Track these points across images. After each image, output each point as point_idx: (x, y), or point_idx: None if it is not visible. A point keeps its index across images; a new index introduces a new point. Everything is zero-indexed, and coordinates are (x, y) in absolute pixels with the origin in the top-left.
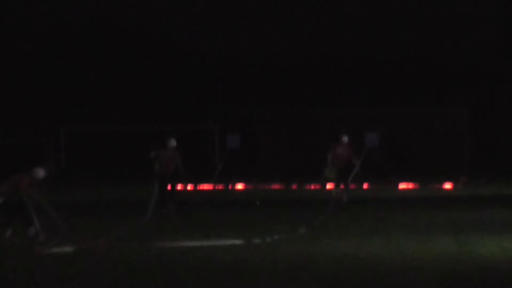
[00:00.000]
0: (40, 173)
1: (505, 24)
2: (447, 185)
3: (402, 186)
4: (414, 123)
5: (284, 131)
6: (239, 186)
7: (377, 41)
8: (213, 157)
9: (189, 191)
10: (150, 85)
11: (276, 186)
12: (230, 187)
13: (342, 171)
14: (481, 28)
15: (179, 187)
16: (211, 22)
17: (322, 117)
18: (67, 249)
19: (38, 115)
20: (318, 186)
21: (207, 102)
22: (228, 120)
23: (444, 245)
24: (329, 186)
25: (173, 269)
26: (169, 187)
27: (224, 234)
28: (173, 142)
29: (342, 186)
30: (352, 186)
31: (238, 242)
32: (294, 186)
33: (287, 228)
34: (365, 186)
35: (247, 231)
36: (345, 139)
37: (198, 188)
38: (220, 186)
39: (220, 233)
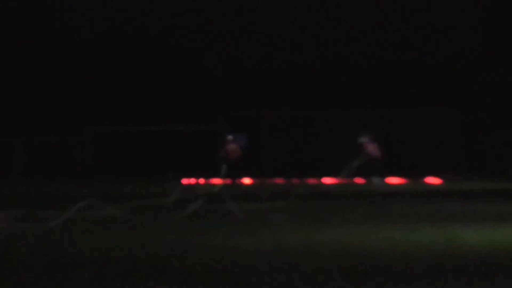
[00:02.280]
0: None
1: (490, 25)
2: (434, 180)
3: (392, 181)
4: (405, 125)
5: (286, 132)
6: (246, 181)
7: (370, 46)
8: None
9: (201, 184)
10: (167, 92)
11: (279, 181)
12: (237, 182)
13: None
14: (468, 30)
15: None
16: (221, 35)
17: (320, 119)
18: None
19: (66, 116)
20: (315, 181)
21: (217, 106)
22: (236, 122)
23: (431, 235)
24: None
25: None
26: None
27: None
28: (230, 137)
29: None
30: (347, 180)
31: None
32: (295, 181)
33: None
34: (359, 180)
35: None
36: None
37: (209, 182)
38: (228, 181)
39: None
